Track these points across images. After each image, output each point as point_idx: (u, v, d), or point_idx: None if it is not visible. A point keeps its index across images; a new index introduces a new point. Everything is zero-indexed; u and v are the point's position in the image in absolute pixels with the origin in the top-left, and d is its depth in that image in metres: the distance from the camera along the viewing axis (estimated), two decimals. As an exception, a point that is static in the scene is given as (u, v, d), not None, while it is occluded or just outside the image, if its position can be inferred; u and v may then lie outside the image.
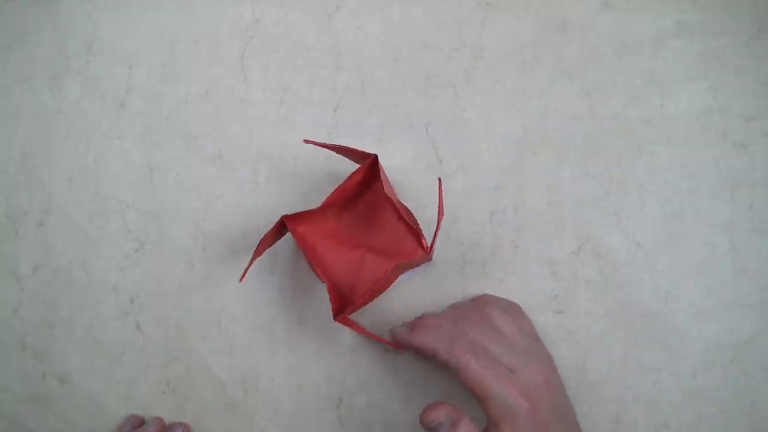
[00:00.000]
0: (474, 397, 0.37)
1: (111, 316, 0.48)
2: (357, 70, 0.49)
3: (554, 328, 0.45)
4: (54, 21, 0.52)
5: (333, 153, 0.47)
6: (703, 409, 0.44)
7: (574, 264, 0.46)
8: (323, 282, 0.42)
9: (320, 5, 0.51)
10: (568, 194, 0.47)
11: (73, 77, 0.51)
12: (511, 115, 0.48)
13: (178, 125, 0.50)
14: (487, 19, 0.49)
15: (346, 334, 0.46)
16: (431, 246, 0.41)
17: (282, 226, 0.42)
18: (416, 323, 0.41)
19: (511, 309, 0.43)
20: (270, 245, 0.44)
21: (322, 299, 0.46)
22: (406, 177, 0.47)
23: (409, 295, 0.46)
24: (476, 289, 0.46)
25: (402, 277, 0.45)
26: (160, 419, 0.45)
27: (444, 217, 0.46)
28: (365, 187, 0.45)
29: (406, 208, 0.44)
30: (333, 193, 0.43)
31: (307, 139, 0.43)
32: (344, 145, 0.43)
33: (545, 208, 0.47)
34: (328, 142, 0.43)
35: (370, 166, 0.42)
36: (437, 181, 0.40)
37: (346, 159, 0.45)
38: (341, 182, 0.43)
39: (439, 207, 0.40)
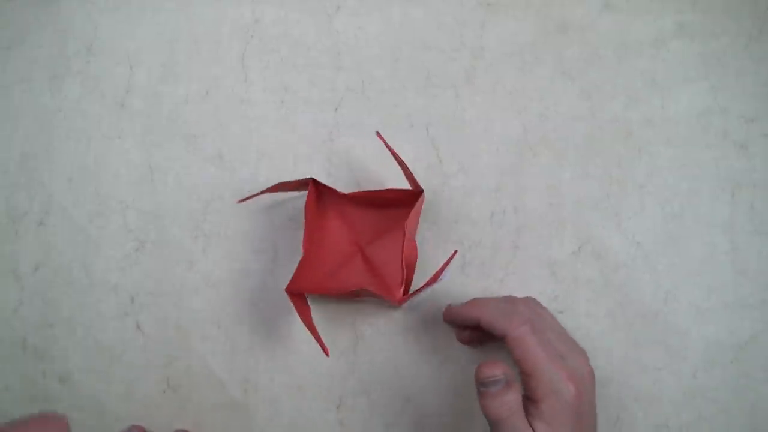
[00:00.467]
0: (521, 370, 0.36)
1: (111, 315, 0.48)
2: (357, 70, 0.49)
3: (554, 328, 0.45)
4: (54, 21, 0.52)
5: (333, 153, 0.47)
6: (703, 409, 0.44)
7: (575, 265, 0.46)
8: (303, 251, 0.43)
9: (320, 5, 0.51)
10: (568, 195, 0.47)
11: (73, 77, 0.51)
12: (511, 115, 0.48)
13: (178, 125, 0.50)
14: (487, 19, 0.49)
15: (347, 334, 0.46)
16: (406, 297, 0.41)
17: (305, 185, 0.44)
18: (469, 302, 0.41)
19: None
20: (283, 190, 0.45)
21: (322, 300, 0.46)
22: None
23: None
24: (476, 289, 0.46)
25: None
26: None
27: (442, 221, 0.46)
28: (397, 205, 0.45)
29: (414, 247, 0.44)
30: (366, 191, 0.43)
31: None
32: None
33: (545, 209, 0.47)
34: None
35: (413, 194, 0.43)
36: (455, 253, 0.41)
37: (347, 160, 0.46)
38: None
39: (436, 274, 0.40)
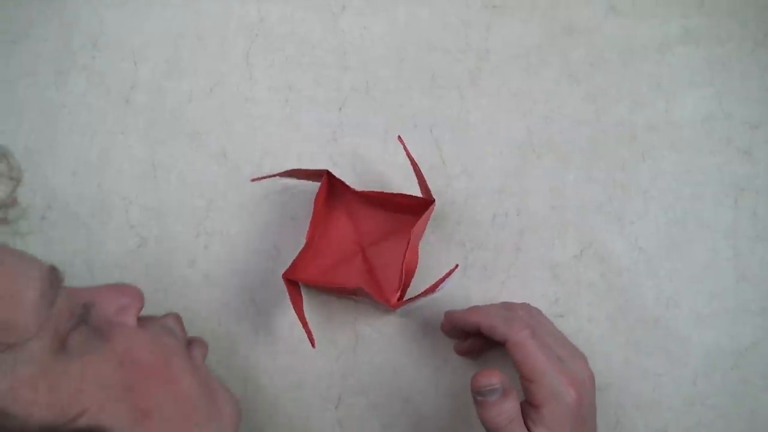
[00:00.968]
0: (522, 375, 0.36)
1: (112, 311, 0.48)
2: (362, 69, 0.49)
3: (555, 331, 0.45)
4: (60, 15, 0.52)
5: (337, 152, 0.47)
6: (703, 415, 0.44)
7: (577, 268, 0.46)
8: (307, 242, 0.43)
9: (326, 4, 0.51)
10: (571, 198, 0.47)
11: (79, 72, 0.51)
12: (515, 118, 0.48)
13: (182, 122, 0.50)
14: (493, 21, 0.49)
15: (346, 335, 0.46)
16: (400, 303, 0.41)
17: (318, 176, 0.44)
18: (469, 308, 0.41)
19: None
20: (297, 177, 0.45)
21: (323, 300, 0.46)
22: (410, 178, 0.47)
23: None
24: (478, 291, 0.46)
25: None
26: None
27: (443, 222, 0.46)
28: (405, 211, 0.45)
29: (415, 253, 0.44)
30: (378, 192, 0.44)
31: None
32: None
33: (548, 212, 0.47)
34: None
35: (425, 203, 0.43)
36: (456, 268, 0.41)
37: (350, 160, 0.46)
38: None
39: (435, 284, 0.40)
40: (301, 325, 0.40)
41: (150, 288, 0.48)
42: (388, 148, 0.48)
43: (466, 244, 0.46)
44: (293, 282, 0.42)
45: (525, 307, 0.41)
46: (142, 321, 0.34)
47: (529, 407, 0.36)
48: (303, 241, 0.44)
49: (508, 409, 0.35)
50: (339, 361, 0.46)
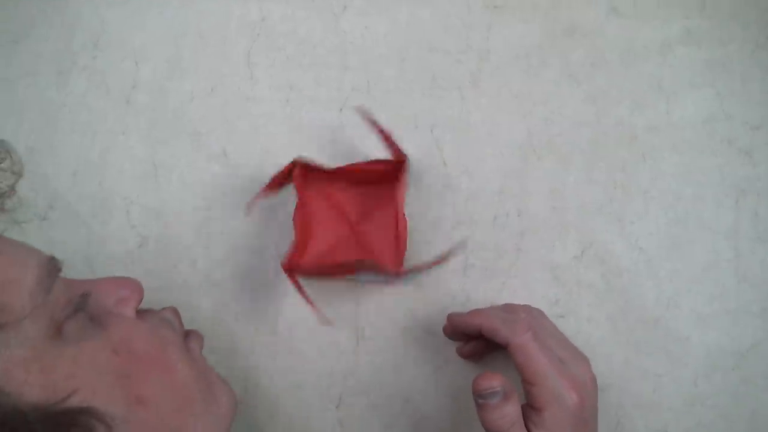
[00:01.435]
0: (524, 378, 0.36)
1: (112, 311, 0.48)
2: (363, 69, 0.49)
3: (556, 332, 0.45)
4: (61, 15, 0.52)
5: (338, 152, 0.47)
6: (703, 416, 0.44)
7: (577, 269, 0.46)
8: (295, 232, 0.43)
9: (327, 4, 0.51)
10: (571, 199, 0.47)
11: (80, 72, 0.51)
12: (516, 119, 0.48)
13: (183, 122, 0.50)
14: (494, 22, 0.49)
15: (347, 334, 0.46)
16: (406, 273, 0.41)
17: (291, 171, 0.44)
18: (471, 311, 0.41)
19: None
20: (279, 186, 0.45)
21: (324, 300, 0.46)
22: (411, 178, 0.47)
23: (411, 298, 0.46)
24: (478, 292, 0.46)
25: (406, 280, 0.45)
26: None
27: (444, 224, 0.46)
28: (383, 180, 0.45)
29: (405, 220, 0.44)
30: (351, 165, 0.43)
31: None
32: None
33: (549, 213, 0.47)
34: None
35: (398, 165, 0.43)
36: (461, 245, 0.41)
37: (351, 160, 0.46)
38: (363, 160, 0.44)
39: (440, 259, 0.40)
40: (310, 310, 0.41)
41: (150, 287, 0.47)
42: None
43: (466, 244, 0.46)
44: (292, 272, 0.42)
45: (527, 308, 0.41)
46: (141, 313, 0.35)
47: (530, 410, 0.36)
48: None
49: (509, 412, 0.35)
50: (339, 361, 0.46)
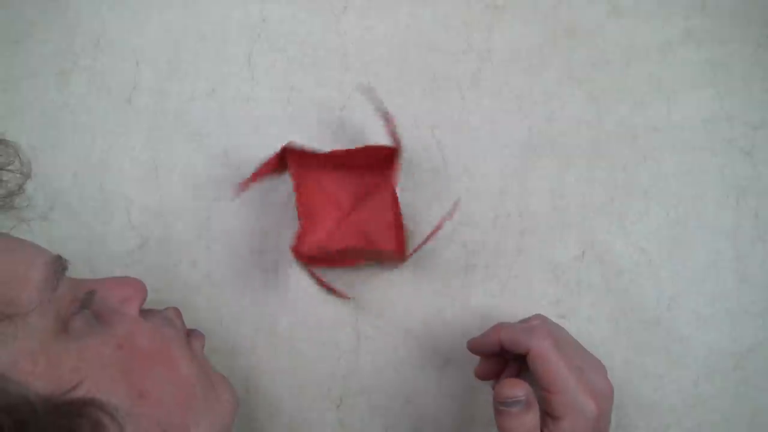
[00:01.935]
0: (543, 387, 0.35)
1: (114, 312, 0.48)
2: (364, 70, 0.49)
3: (556, 332, 0.45)
4: (62, 16, 0.52)
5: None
6: (704, 417, 0.44)
7: (578, 269, 0.46)
8: (299, 217, 0.44)
9: (328, 5, 0.51)
10: (572, 199, 0.47)
11: (80, 73, 0.51)
12: (517, 119, 0.48)
13: (184, 122, 0.50)
14: (495, 22, 0.49)
15: (348, 335, 0.46)
16: (411, 255, 0.41)
17: (283, 158, 0.44)
18: (488, 329, 0.41)
19: None
20: (269, 173, 0.45)
21: (325, 300, 0.46)
22: (411, 178, 0.47)
23: (412, 299, 0.46)
24: (479, 292, 0.46)
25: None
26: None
27: (445, 223, 0.46)
28: (375, 167, 0.45)
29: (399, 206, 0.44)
30: (344, 149, 0.44)
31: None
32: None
33: (549, 213, 0.47)
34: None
35: (391, 152, 0.43)
36: (455, 208, 0.42)
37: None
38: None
39: (435, 229, 0.40)
40: (327, 292, 0.43)
41: (152, 288, 0.47)
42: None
43: (467, 244, 0.47)
44: (304, 256, 0.43)
45: (540, 317, 0.40)
46: (144, 312, 0.36)
47: (547, 418, 0.35)
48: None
49: (529, 421, 0.34)
50: (340, 362, 0.46)
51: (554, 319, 0.42)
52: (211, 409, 0.35)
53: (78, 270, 0.48)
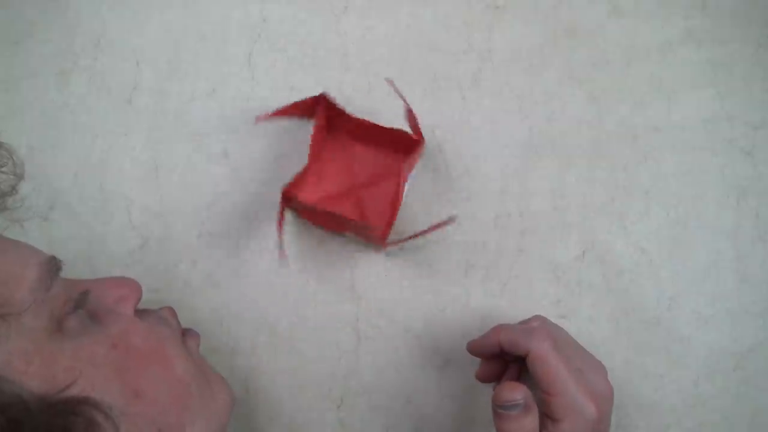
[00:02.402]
0: (543, 389, 0.35)
1: (114, 312, 0.48)
2: (364, 71, 0.49)
3: (557, 332, 0.45)
4: (62, 16, 0.52)
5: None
6: (704, 417, 0.44)
7: (578, 269, 0.46)
8: (307, 166, 0.44)
9: (328, 5, 0.51)
10: (573, 199, 0.47)
11: (81, 73, 0.51)
12: (517, 119, 0.48)
13: (184, 122, 0.50)
14: (495, 22, 0.49)
15: (349, 335, 0.46)
16: (393, 243, 0.43)
17: (315, 105, 0.45)
18: (487, 331, 0.41)
19: None
20: (298, 114, 0.47)
21: (325, 301, 0.46)
22: (412, 178, 0.47)
23: (413, 299, 0.46)
24: (479, 292, 0.46)
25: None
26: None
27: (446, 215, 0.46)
28: (398, 150, 0.46)
29: (401, 197, 0.44)
30: (371, 123, 0.44)
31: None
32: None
33: (550, 213, 0.47)
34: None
35: (415, 143, 0.44)
36: (452, 219, 0.42)
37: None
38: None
39: (429, 229, 0.41)
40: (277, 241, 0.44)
41: (152, 288, 0.48)
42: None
43: (467, 244, 0.46)
44: (288, 201, 0.44)
45: (539, 318, 0.40)
46: (139, 312, 0.36)
47: (547, 420, 0.35)
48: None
49: (528, 423, 0.34)
50: (341, 362, 0.46)
51: (555, 319, 0.42)
52: (207, 407, 0.35)
53: (78, 270, 0.48)
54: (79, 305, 0.32)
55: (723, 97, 0.47)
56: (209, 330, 0.47)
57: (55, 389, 0.28)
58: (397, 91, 0.43)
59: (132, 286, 0.37)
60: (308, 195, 0.46)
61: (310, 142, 0.44)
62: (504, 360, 0.40)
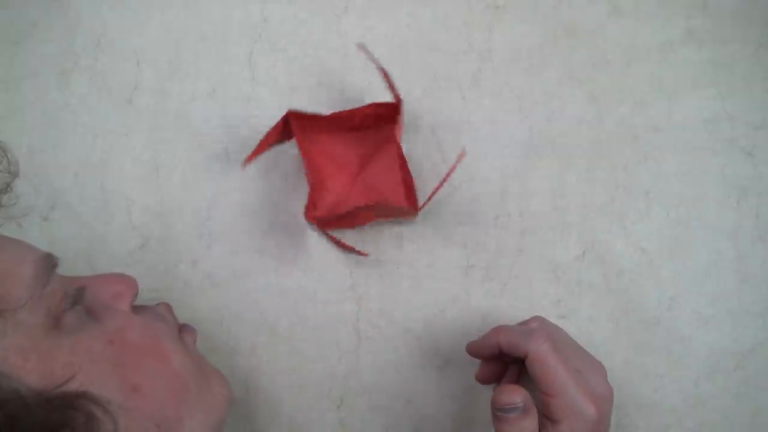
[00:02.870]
0: (542, 390, 0.35)
1: (114, 311, 0.48)
2: (364, 70, 0.49)
3: (557, 332, 0.45)
4: (63, 16, 0.52)
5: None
6: (705, 417, 0.43)
7: (578, 269, 0.46)
8: (308, 180, 0.44)
9: (329, 5, 0.51)
10: (573, 199, 0.47)
11: (81, 73, 0.51)
12: (517, 119, 0.48)
13: (185, 122, 0.50)
14: (495, 22, 0.49)
15: (349, 335, 0.46)
16: (422, 206, 0.43)
17: (286, 128, 0.44)
18: (486, 333, 0.41)
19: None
20: (274, 142, 0.45)
21: (325, 301, 0.46)
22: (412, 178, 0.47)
23: (413, 299, 0.46)
24: (479, 292, 0.46)
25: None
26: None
27: (445, 223, 0.46)
28: (378, 123, 0.46)
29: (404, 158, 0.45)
30: (346, 110, 0.44)
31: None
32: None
33: (550, 213, 0.47)
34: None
35: (393, 107, 0.44)
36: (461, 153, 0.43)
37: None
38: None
39: (446, 176, 0.41)
40: (349, 251, 0.44)
41: (152, 288, 0.48)
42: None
43: (467, 245, 0.46)
44: (319, 221, 0.44)
45: (538, 319, 0.40)
46: (136, 308, 0.37)
47: (546, 421, 0.35)
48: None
49: (527, 426, 0.34)
50: (341, 362, 0.46)
51: (555, 319, 0.42)
52: (205, 401, 0.35)
53: (79, 270, 0.48)
54: (76, 301, 0.32)
55: (724, 97, 0.47)
56: (209, 330, 0.47)
57: (53, 384, 0.28)
58: (369, 54, 0.43)
59: (128, 282, 0.37)
60: (323, 210, 0.46)
61: (302, 159, 0.45)
62: (504, 361, 0.40)
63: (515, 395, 0.34)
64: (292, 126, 0.44)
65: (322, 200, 0.46)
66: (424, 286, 0.46)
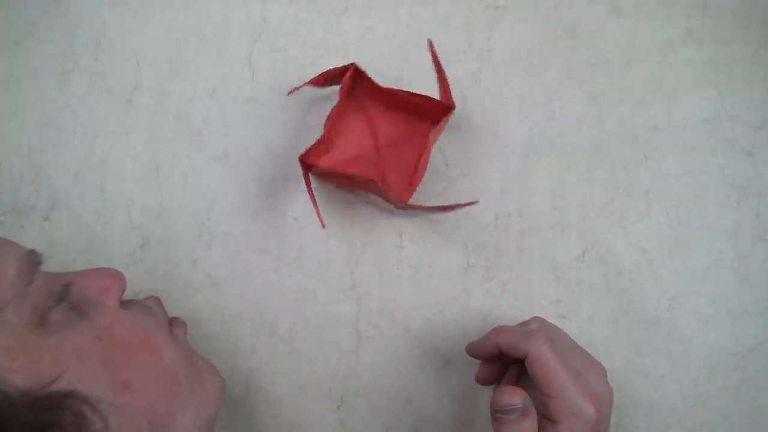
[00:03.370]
0: (541, 391, 0.35)
1: (114, 311, 0.48)
2: (364, 70, 0.49)
3: (557, 332, 0.45)
4: (63, 16, 0.52)
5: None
6: (705, 417, 0.44)
7: (578, 269, 0.46)
8: (324, 130, 0.45)
9: (329, 5, 0.51)
10: (573, 199, 0.47)
11: (81, 73, 0.51)
12: (517, 119, 0.48)
13: (184, 123, 0.50)
14: (495, 22, 0.49)
15: (349, 335, 0.46)
16: (409, 207, 0.43)
17: (344, 73, 0.45)
18: (486, 334, 0.41)
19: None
20: (328, 82, 0.46)
21: (325, 301, 0.46)
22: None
23: (412, 299, 0.46)
24: (480, 292, 0.46)
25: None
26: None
27: (445, 223, 0.46)
28: (424, 117, 0.46)
29: (427, 159, 0.44)
30: (404, 92, 0.45)
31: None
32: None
33: (550, 213, 0.47)
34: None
35: (444, 109, 0.44)
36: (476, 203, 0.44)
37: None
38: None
39: (450, 207, 0.41)
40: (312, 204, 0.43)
41: (152, 288, 0.48)
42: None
43: (467, 245, 0.47)
44: (306, 166, 0.44)
45: (538, 319, 0.40)
46: (124, 303, 0.36)
47: (546, 422, 0.35)
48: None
49: (526, 427, 0.34)
50: (341, 362, 0.46)
51: (554, 319, 0.42)
52: (198, 395, 0.35)
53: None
54: (62, 298, 0.32)
55: (724, 97, 0.47)
56: (209, 330, 0.47)
57: (41, 384, 0.28)
58: (433, 53, 0.43)
59: (115, 276, 0.36)
60: (327, 160, 0.46)
61: (331, 112, 0.45)
62: (503, 362, 0.40)
63: (514, 396, 0.34)
64: (345, 77, 0.45)
65: (326, 156, 0.46)
66: (424, 286, 0.46)
